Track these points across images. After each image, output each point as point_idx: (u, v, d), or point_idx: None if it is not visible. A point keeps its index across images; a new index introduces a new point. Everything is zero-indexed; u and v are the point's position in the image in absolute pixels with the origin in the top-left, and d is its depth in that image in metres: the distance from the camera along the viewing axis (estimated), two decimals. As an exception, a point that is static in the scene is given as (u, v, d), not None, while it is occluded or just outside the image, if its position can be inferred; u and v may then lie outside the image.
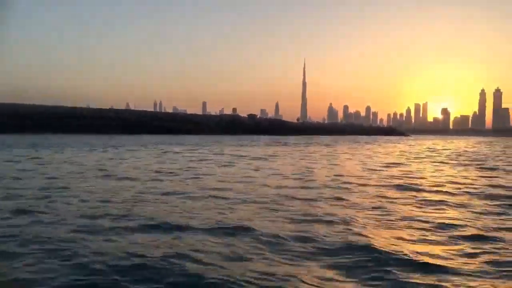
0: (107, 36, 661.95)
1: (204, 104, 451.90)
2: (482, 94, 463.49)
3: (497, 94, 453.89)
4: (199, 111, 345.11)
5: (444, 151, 65.08)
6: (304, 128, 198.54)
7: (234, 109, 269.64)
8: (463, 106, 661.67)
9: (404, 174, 26.44)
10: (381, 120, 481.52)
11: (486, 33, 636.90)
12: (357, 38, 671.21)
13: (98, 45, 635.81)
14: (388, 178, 23.55)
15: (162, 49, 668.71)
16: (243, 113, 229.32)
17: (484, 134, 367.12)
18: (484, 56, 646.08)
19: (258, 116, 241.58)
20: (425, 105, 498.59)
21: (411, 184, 21.06)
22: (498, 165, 35.54)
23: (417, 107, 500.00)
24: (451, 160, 42.58)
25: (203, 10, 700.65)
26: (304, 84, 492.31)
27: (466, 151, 66.52)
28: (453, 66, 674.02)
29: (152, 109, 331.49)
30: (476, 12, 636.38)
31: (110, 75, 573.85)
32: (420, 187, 19.84)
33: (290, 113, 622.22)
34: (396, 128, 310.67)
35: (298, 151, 53.94)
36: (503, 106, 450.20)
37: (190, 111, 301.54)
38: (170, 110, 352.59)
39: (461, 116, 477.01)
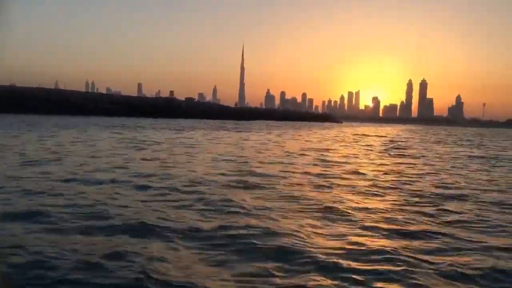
0: (36, 11, 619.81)
1: (139, 85, 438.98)
2: (409, 84, 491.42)
3: (423, 85, 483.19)
4: (134, 93, 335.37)
5: (370, 137, 69.25)
6: (242, 113, 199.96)
7: (171, 92, 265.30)
8: (392, 96, 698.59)
9: (320, 159, 28.11)
10: (317, 106, 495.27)
11: (414, 29, 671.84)
12: (296, 26, 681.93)
13: (26, 19, 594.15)
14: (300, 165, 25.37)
15: (95, 27, 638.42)
16: (180, 96, 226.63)
17: (411, 122, 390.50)
18: (412, 49, 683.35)
19: (196, 100, 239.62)
20: (357, 93, 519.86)
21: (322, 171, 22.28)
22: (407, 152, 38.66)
23: (350, 95, 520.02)
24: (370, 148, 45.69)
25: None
26: (242, 69, 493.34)
27: (388, 138, 71.24)
28: (384, 57, 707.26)
29: (83, 90, 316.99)
30: (405, 10, 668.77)
31: (38, 52, 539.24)
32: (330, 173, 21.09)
33: (228, 98, 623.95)
34: (331, 115, 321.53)
35: (229, 137, 52.39)
36: (428, 96, 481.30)
37: (124, 92, 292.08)
38: (103, 91, 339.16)
39: (390, 104, 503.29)
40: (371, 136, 72.63)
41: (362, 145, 44.97)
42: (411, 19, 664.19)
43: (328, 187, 16.34)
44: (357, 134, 77.97)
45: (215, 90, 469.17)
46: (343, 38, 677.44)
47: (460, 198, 15.01)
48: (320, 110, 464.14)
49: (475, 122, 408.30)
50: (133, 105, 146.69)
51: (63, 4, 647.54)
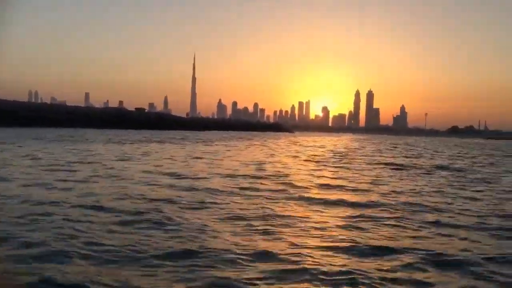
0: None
1: (86, 95, 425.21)
2: (357, 94, 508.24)
3: (370, 95, 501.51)
4: (81, 103, 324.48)
5: (314, 148, 71.21)
6: (193, 123, 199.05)
7: (121, 102, 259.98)
8: (341, 105, 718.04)
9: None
10: (268, 116, 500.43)
11: (362, 41, 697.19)
12: (248, 36, 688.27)
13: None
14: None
15: (39, 34, 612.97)
16: (130, 106, 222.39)
17: (359, 131, 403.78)
18: (360, 60, 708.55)
19: (146, 110, 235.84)
20: (307, 103, 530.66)
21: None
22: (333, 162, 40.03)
23: (300, 105, 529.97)
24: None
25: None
26: (193, 78, 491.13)
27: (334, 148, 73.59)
28: (333, 68, 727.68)
29: (26, 100, 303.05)
30: (353, 22, 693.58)
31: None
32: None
33: (180, 108, 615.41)
34: (282, 125, 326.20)
35: (175, 149, 51.29)
36: (375, 106, 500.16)
37: (70, 102, 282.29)
38: (47, 101, 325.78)
39: (339, 114, 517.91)
40: (315, 146, 74.65)
41: (302, 156, 45.90)
42: (358, 31, 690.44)
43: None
44: (299, 144, 79.86)
45: (166, 100, 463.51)
46: (293, 49, 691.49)
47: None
48: (271, 119, 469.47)
49: (419, 131, 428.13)
50: (79, 116, 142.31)
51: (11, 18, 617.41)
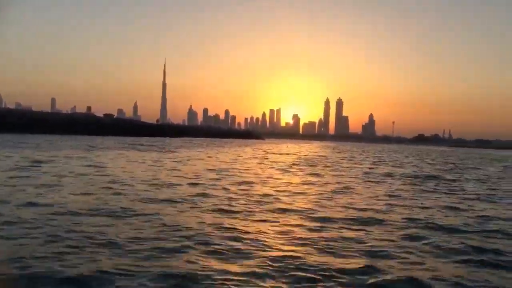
0: None
1: (53, 100, 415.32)
2: (327, 103, 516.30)
3: (339, 104, 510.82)
4: (47, 108, 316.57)
5: (282, 155, 72.11)
6: (164, 130, 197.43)
7: (89, 108, 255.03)
8: (311, 113, 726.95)
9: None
10: (239, 123, 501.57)
11: (331, 50, 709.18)
12: (219, 43, 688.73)
13: None
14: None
15: (5, 38, 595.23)
16: (99, 112, 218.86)
17: (328, 138, 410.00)
18: (330, 69, 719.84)
19: (115, 116, 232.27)
20: (278, 111, 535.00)
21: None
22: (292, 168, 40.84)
23: (271, 112, 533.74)
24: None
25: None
26: (164, 85, 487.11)
27: (302, 155, 74.71)
28: (303, 77, 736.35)
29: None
30: (323, 32, 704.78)
31: None
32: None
33: (150, 114, 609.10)
34: (253, 132, 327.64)
35: (140, 156, 49.58)
36: (344, 114, 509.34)
37: (36, 108, 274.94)
38: (12, 106, 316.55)
39: (309, 122, 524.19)
40: (284, 154, 75.42)
41: (268, 163, 46.15)
42: (328, 40, 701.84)
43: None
44: (266, 151, 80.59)
45: (135, 106, 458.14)
46: (265, 57, 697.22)
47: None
48: (242, 126, 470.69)
49: (386, 139, 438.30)
50: (45, 121, 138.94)
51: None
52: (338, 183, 26.19)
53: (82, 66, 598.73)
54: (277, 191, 21.38)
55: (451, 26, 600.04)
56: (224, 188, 21.31)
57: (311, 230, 12.60)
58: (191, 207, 15.57)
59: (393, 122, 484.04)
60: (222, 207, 15.80)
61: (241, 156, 56.48)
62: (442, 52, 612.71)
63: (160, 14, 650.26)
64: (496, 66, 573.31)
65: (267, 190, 21.59)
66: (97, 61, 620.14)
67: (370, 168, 43.57)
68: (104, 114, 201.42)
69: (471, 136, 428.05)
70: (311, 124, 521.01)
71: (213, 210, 15.13)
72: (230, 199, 17.93)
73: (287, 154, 73.57)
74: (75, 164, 31.14)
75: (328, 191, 21.95)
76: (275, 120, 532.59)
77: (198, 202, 16.72)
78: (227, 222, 13.19)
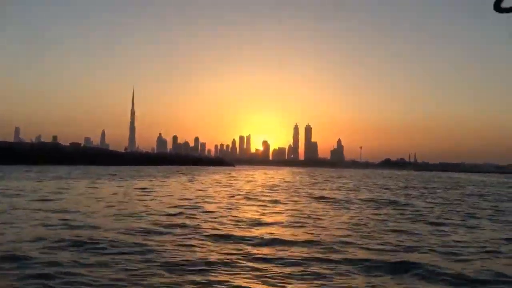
0: None
1: (17, 129, 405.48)
2: (296, 129, 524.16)
3: (308, 129, 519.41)
4: (10, 138, 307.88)
5: (247, 181, 72.98)
6: (132, 158, 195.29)
7: (55, 137, 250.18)
8: (281, 139, 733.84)
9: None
10: (209, 150, 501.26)
11: (299, 77, 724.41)
12: (187, 70, 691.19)
13: None
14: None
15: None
16: (65, 141, 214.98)
17: (298, 164, 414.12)
18: (299, 96, 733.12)
19: (82, 145, 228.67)
20: (248, 137, 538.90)
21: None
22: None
23: (241, 139, 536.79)
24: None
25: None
26: (132, 112, 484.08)
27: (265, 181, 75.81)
28: (272, 103, 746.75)
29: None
30: (289, 61, 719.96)
31: None
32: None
33: (118, 142, 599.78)
34: (223, 159, 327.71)
35: (100, 185, 49.25)
36: (313, 140, 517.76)
37: None
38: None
39: (279, 148, 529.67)
40: (251, 180, 76.19)
41: (228, 190, 46.58)
42: (296, 67, 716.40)
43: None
44: (234, 178, 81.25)
45: (103, 134, 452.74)
46: (234, 84, 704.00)
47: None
48: (213, 153, 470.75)
49: (354, 164, 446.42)
50: (9, 151, 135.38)
51: None
52: (298, 210, 27.00)
53: (48, 94, 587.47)
54: (232, 218, 21.85)
55: (415, 53, 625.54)
56: (182, 219, 21.27)
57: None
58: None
59: (361, 147, 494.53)
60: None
61: (205, 184, 56.66)
62: (407, 78, 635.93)
63: (128, 41, 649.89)
64: (459, 92, 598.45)
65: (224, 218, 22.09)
66: (64, 89, 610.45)
67: (332, 192, 44.87)
68: (70, 143, 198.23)
69: (436, 160, 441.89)
70: (281, 150, 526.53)
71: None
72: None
73: (254, 180, 74.43)
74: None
75: (291, 218, 22.82)
76: (245, 147, 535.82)
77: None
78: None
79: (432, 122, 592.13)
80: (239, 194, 39.13)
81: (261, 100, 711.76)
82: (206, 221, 20.15)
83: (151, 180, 61.06)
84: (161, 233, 16.46)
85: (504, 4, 2.72)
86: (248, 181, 70.74)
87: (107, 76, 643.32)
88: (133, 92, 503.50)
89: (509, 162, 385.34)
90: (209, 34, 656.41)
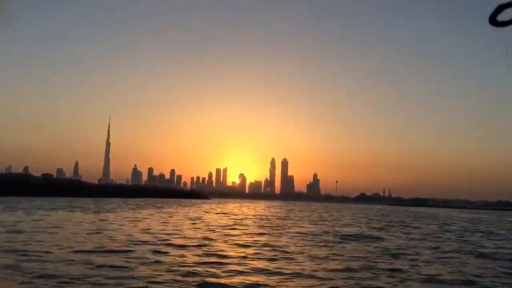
0: None
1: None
2: (272, 162, 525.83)
3: (284, 163, 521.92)
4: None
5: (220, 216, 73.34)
6: (105, 190, 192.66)
7: (26, 168, 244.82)
8: (257, 173, 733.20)
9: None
10: (185, 183, 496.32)
11: (275, 111, 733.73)
12: (163, 102, 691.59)
13: None
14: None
15: None
16: (37, 172, 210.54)
17: (274, 198, 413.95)
18: (275, 130, 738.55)
19: (54, 176, 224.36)
20: (225, 170, 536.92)
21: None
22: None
23: (218, 171, 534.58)
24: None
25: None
26: (108, 143, 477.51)
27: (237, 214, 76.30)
28: (249, 136, 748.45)
29: None
30: (266, 95, 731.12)
31: None
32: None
33: (91, 174, 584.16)
34: (199, 191, 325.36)
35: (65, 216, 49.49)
36: (289, 174, 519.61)
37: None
38: None
39: (255, 181, 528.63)
40: (223, 213, 76.48)
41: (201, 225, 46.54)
42: (272, 102, 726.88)
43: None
44: (206, 212, 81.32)
45: (76, 166, 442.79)
46: (210, 117, 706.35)
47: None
48: (188, 186, 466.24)
49: (330, 198, 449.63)
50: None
51: None
52: (268, 245, 27.66)
53: (20, 124, 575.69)
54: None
55: (389, 90, 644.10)
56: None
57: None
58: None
59: (336, 182, 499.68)
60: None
61: (174, 218, 56.43)
62: (381, 114, 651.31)
63: (104, 72, 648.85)
64: (432, 128, 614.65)
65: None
66: (36, 118, 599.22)
67: (304, 227, 45.82)
68: (42, 174, 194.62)
69: (409, 195, 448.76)
70: (257, 183, 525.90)
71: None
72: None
73: (226, 214, 74.80)
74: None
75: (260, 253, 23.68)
76: (221, 180, 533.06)
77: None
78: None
79: (406, 158, 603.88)
80: (207, 228, 39.66)
81: (238, 133, 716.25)
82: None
83: (110, 212, 60.54)
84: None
85: (500, 18, 2.55)
86: (217, 214, 71.17)
87: (82, 106, 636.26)
88: (109, 123, 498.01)
89: (480, 198, 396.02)
90: (186, 68, 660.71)
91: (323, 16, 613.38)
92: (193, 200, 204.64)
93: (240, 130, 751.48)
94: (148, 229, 35.65)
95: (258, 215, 73.12)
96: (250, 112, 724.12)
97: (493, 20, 2.33)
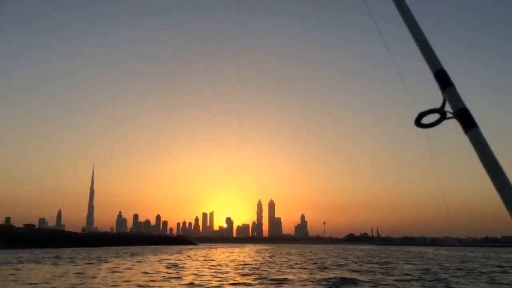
0: None
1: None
2: (259, 205, 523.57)
3: (271, 205, 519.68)
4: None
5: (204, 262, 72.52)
6: (89, 239, 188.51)
7: (8, 219, 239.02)
8: (244, 216, 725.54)
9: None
10: (171, 229, 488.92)
11: (261, 154, 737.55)
12: (149, 148, 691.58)
13: None
14: None
15: None
16: (19, 222, 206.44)
17: (262, 241, 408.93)
18: (261, 171, 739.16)
19: (36, 226, 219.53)
20: (211, 214, 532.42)
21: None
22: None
23: (204, 216, 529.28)
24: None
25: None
26: (92, 191, 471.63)
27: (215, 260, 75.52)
28: (235, 179, 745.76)
29: None
30: (252, 137, 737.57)
31: None
32: None
33: (75, 222, 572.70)
34: (186, 237, 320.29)
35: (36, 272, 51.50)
36: (276, 216, 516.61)
37: None
38: None
39: (243, 224, 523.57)
40: (209, 260, 75.81)
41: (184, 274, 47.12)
42: (258, 144, 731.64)
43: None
44: (193, 259, 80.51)
45: (59, 215, 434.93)
46: (196, 161, 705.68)
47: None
48: (174, 232, 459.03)
49: (318, 239, 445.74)
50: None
51: None
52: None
53: (0, 173, 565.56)
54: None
55: (377, 129, 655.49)
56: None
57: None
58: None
59: (324, 223, 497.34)
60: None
61: (151, 267, 55.87)
62: (368, 153, 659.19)
63: (88, 117, 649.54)
64: (418, 169, 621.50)
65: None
66: (18, 168, 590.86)
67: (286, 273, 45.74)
68: (24, 225, 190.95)
69: (398, 234, 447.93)
70: (245, 226, 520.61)
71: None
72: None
73: (212, 260, 73.97)
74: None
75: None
76: (208, 224, 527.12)
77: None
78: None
79: (394, 197, 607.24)
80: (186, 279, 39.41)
81: (223, 176, 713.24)
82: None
83: (88, 264, 59.74)
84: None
85: (424, 121, 3.06)
86: (210, 260, 70.37)
87: (65, 153, 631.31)
88: (93, 169, 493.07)
89: (468, 235, 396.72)
90: (169, 112, 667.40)
91: (306, 55, 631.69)
92: (179, 246, 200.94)
93: (226, 173, 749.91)
94: (127, 280, 35.34)
95: (241, 261, 72.54)
96: (235, 156, 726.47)
97: (418, 122, 3.17)
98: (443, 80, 2.96)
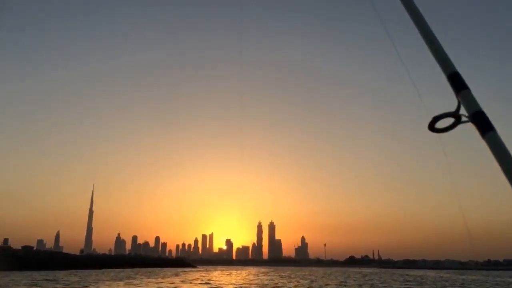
0: None
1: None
2: (259, 227, 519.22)
3: (271, 227, 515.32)
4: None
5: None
6: (87, 261, 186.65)
7: (6, 240, 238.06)
8: (244, 238, 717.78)
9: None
10: (170, 251, 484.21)
11: (261, 175, 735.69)
12: (148, 171, 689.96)
13: None
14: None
15: None
16: (17, 244, 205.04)
17: (262, 263, 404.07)
18: (261, 193, 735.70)
19: (34, 248, 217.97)
20: (211, 236, 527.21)
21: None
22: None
23: (204, 238, 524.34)
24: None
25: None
26: (90, 212, 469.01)
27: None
28: (235, 201, 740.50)
29: None
30: (251, 158, 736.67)
31: None
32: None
33: (73, 244, 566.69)
34: (185, 259, 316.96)
35: None
36: (277, 237, 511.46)
37: None
38: None
39: (242, 247, 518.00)
40: (203, 283, 75.20)
41: None
42: (257, 167, 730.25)
43: None
44: (191, 282, 79.87)
45: (57, 236, 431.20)
46: (195, 183, 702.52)
47: None
48: (173, 254, 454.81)
49: (319, 262, 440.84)
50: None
51: None
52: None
53: None
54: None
55: (378, 150, 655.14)
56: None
57: None
58: None
59: (325, 245, 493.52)
60: None
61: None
62: (370, 175, 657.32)
63: (86, 136, 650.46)
64: (420, 190, 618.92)
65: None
66: (17, 189, 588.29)
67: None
68: (22, 246, 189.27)
69: (399, 256, 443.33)
70: (245, 248, 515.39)
71: None
72: None
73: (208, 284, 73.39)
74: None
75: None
76: (207, 246, 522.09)
77: None
78: None
79: (395, 219, 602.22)
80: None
81: (223, 198, 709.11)
82: None
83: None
84: None
85: (438, 125, 3.01)
86: (206, 283, 69.77)
87: (64, 174, 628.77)
88: (93, 190, 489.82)
89: (471, 258, 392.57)
90: (169, 135, 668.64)
91: (304, 75, 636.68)
92: (178, 269, 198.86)
93: (225, 194, 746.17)
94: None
95: (237, 284, 71.95)
96: (235, 177, 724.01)
97: (432, 127, 3.39)
98: (457, 83, 2.88)
